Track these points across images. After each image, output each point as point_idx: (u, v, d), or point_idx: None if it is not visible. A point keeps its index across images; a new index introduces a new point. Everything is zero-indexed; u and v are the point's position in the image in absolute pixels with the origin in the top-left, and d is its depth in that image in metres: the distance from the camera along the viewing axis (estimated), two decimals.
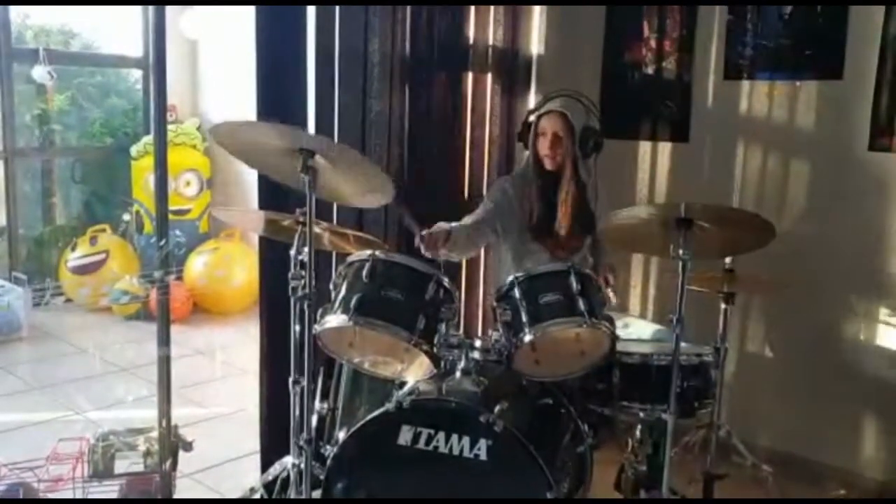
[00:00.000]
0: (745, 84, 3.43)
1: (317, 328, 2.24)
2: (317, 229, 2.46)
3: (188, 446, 2.84)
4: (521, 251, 2.91)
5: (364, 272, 2.23)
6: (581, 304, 2.20)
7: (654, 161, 3.72)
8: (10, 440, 3.52)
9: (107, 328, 5.38)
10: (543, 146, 2.84)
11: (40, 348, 4.99)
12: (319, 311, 2.29)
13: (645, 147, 3.74)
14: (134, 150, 5.93)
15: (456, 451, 2.11)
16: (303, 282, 2.19)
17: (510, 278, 2.30)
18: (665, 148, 3.69)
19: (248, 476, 2.87)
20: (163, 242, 2.66)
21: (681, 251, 2.16)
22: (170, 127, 6.07)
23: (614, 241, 2.60)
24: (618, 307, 3.10)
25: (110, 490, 2.72)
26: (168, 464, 2.71)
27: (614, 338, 2.28)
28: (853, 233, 3.24)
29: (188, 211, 6.03)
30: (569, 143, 2.82)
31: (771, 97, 3.37)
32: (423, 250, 2.56)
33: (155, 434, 2.76)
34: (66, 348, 4.98)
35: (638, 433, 2.60)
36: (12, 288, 5.15)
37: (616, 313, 2.98)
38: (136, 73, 6.52)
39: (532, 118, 2.88)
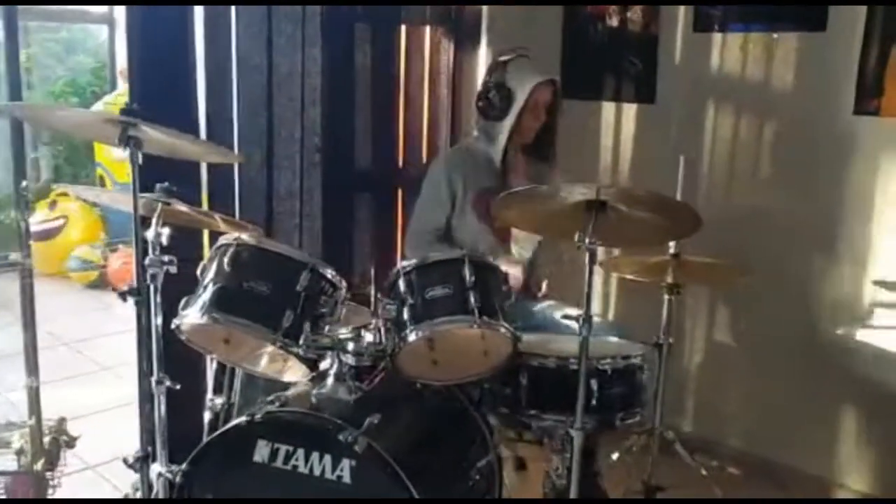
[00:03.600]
0: (717, 37, 3.02)
1: (175, 322, 1.97)
2: (182, 208, 2.18)
3: (72, 443, 2.60)
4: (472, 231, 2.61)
5: (226, 260, 1.94)
6: (473, 300, 1.88)
7: (619, 124, 3.33)
8: None
9: (62, 297, 5.13)
10: (536, 119, 2.61)
11: None
12: (182, 302, 2.01)
13: (608, 108, 3.35)
14: (94, 109, 5.63)
15: (317, 472, 1.81)
16: (164, 269, 1.93)
17: (396, 268, 1.99)
18: (630, 109, 3.30)
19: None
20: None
21: (587, 239, 1.81)
22: (120, 91, 5.78)
23: (517, 223, 2.25)
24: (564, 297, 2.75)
25: None
26: (41, 463, 2.46)
27: (516, 339, 1.94)
28: (835, 207, 2.85)
29: None
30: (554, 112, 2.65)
31: (745, 52, 2.97)
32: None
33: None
34: (9, 317, 4.74)
35: (559, 443, 2.27)
36: None
37: (557, 302, 2.66)
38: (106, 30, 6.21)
39: (506, 82, 2.55)
